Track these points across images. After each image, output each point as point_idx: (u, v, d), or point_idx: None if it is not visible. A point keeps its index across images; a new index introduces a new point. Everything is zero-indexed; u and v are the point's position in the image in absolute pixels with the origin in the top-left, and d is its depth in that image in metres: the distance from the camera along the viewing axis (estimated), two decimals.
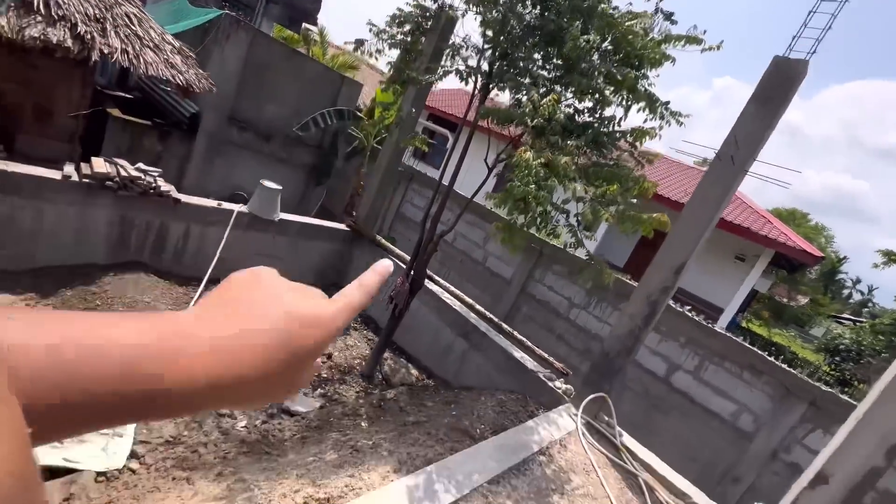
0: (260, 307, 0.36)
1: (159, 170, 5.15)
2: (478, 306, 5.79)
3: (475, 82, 3.97)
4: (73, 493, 2.61)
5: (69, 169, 4.53)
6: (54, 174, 4.38)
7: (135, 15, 5.34)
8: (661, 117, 3.62)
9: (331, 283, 7.25)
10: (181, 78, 5.61)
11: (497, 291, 7.27)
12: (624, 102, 3.64)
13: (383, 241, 6.90)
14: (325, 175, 9.47)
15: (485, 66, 4.06)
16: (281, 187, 6.12)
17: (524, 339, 5.36)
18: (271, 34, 9.87)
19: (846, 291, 32.09)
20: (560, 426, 4.03)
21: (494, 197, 2.75)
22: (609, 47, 3.65)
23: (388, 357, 5.74)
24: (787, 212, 33.17)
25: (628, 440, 4.19)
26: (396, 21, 4.59)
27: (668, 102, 3.65)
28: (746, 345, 5.22)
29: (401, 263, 6.46)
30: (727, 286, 13.22)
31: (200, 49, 6.78)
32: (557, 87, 3.74)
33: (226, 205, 5.73)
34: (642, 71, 3.37)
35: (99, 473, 2.81)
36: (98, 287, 4.60)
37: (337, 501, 2.42)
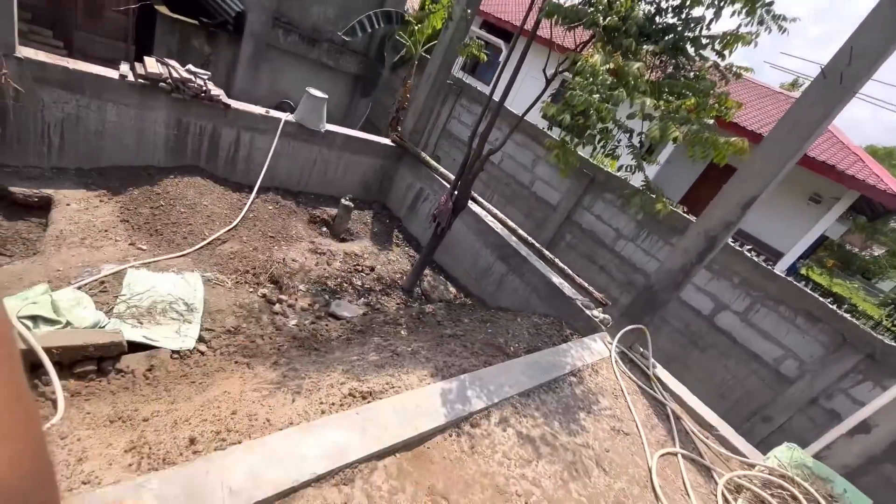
0: None
1: (208, 73, 5.11)
2: (520, 231, 5.69)
3: None
4: (153, 364, 3.00)
5: (125, 68, 4.57)
6: (112, 73, 4.44)
7: None
8: (761, 22, 3.05)
9: (374, 199, 7.32)
10: None
11: (542, 217, 7.08)
12: (717, 1, 3.07)
13: (428, 158, 6.73)
14: (371, 85, 9.11)
15: None
16: (327, 96, 5.96)
17: (564, 267, 5.29)
18: None
19: None
20: (594, 351, 4.08)
21: (552, 106, 2.49)
22: None
23: (428, 274, 5.90)
24: (885, 150, 29.05)
25: (661, 372, 4.21)
26: None
27: (772, 2, 3.04)
28: (808, 290, 4.89)
29: (445, 182, 6.34)
30: (794, 229, 12.17)
31: None
32: None
33: (273, 112, 5.70)
34: None
35: (174, 352, 3.19)
36: (160, 188, 4.87)
37: (378, 395, 2.63)
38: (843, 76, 3.06)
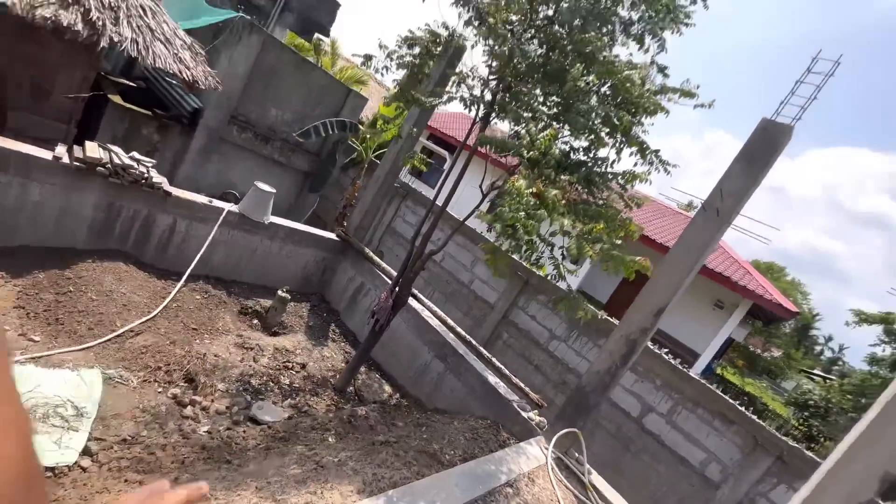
0: None
1: (153, 161, 5.11)
2: (459, 328, 5.78)
3: (477, 110, 4.08)
4: None
5: (61, 150, 4.47)
6: (44, 154, 4.31)
7: (150, 7, 5.39)
8: (651, 164, 3.75)
9: (313, 291, 7.18)
10: (188, 73, 5.64)
11: (480, 316, 7.27)
12: (618, 145, 3.78)
13: (371, 253, 6.89)
14: (320, 183, 9.48)
15: (488, 96, 4.19)
16: (275, 190, 6.11)
17: (502, 367, 5.35)
18: (283, 40, 10.02)
19: (818, 348, 32.74)
20: (530, 458, 3.99)
21: (486, 215, 2.80)
22: (608, 92, 3.81)
23: (364, 372, 5.66)
24: (765, 265, 34.06)
25: (596, 479, 4.16)
26: (407, 42, 4.72)
27: (658, 150, 3.78)
28: (719, 393, 5.28)
29: (387, 278, 6.44)
30: (705, 332, 13.42)
31: (211, 47, 6.84)
32: (556, 124, 3.87)
33: (216, 202, 5.69)
34: (637, 118, 3.51)
35: (48, 468, 2.68)
36: (72, 272, 4.49)
37: None
38: (719, 210, 3.76)
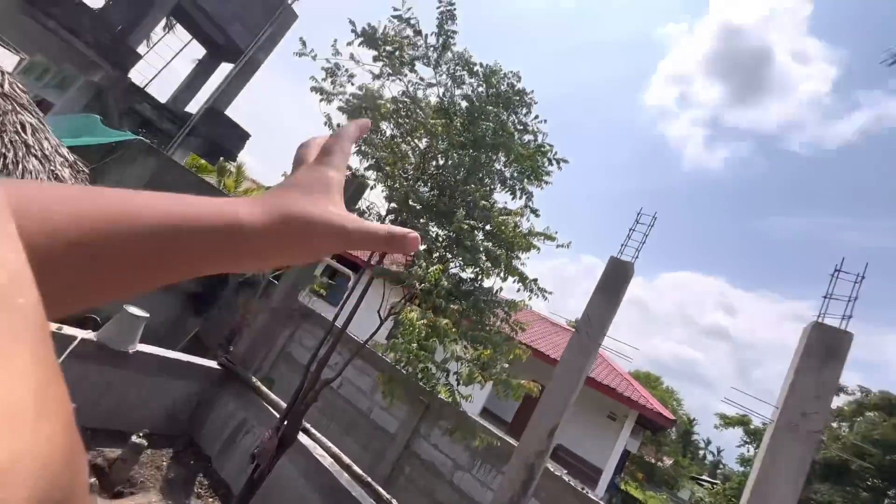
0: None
1: None
2: (355, 467, 5.21)
3: None
4: None
5: None
6: None
7: (30, 124, 5.14)
8: (531, 290, 4.27)
9: (179, 434, 6.07)
10: None
11: (380, 448, 6.70)
12: (501, 275, 4.28)
13: (259, 383, 6.22)
14: (207, 305, 8.74)
15: None
16: (148, 315, 5.47)
17: None
18: (184, 162, 10.01)
19: (701, 452, 35.31)
20: None
21: (381, 345, 2.84)
22: (490, 229, 4.43)
23: None
24: (643, 375, 37.70)
25: None
26: None
27: (536, 279, 4.36)
28: None
29: (275, 412, 5.76)
30: (603, 445, 13.83)
31: (98, 165, 6.55)
32: (449, 255, 4.31)
33: (68, 329, 4.87)
34: (515, 253, 4.08)
35: None
36: None
37: None
38: (588, 334, 4.29)
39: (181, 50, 14.17)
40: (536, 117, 4.46)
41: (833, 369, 3.37)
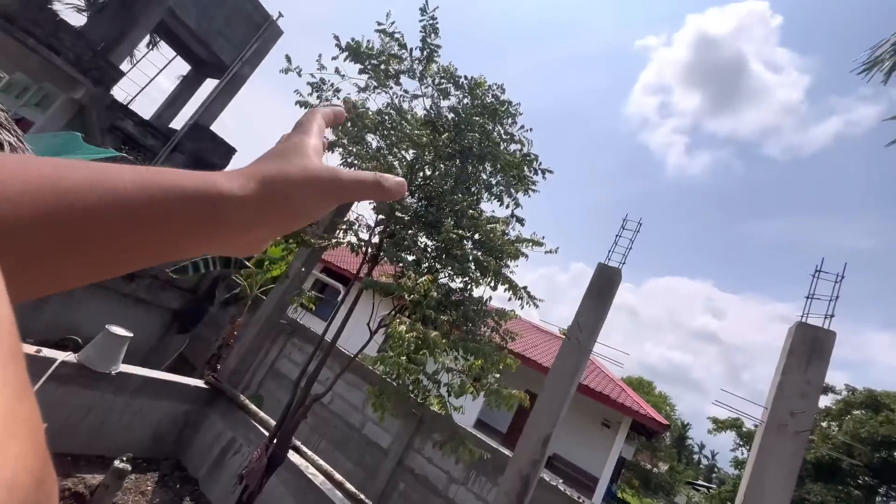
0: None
1: None
2: (347, 484, 5.10)
3: (365, 254, 4.36)
4: None
5: None
6: None
7: (8, 143, 5.03)
8: (521, 298, 4.28)
9: (166, 456, 5.89)
10: None
11: (373, 464, 6.58)
12: (491, 284, 4.28)
13: (246, 401, 6.09)
14: (192, 322, 8.57)
15: (375, 240, 4.55)
16: (131, 334, 5.34)
17: None
18: None
19: (696, 456, 35.36)
20: None
21: (369, 358, 2.81)
22: (478, 238, 4.45)
23: None
24: (636, 380, 37.83)
25: None
26: None
27: (525, 287, 4.37)
28: None
29: (264, 430, 5.63)
30: (598, 453, 13.78)
31: None
32: (438, 265, 4.30)
33: (47, 351, 4.72)
34: (503, 262, 4.10)
35: None
36: None
37: None
38: (579, 340, 4.30)
39: (165, 67, 14.11)
40: (522, 127, 4.52)
41: (818, 368, 3.42)
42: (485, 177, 4.76)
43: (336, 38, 4.10)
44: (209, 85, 13.58)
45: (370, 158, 4.15)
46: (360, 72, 4.28)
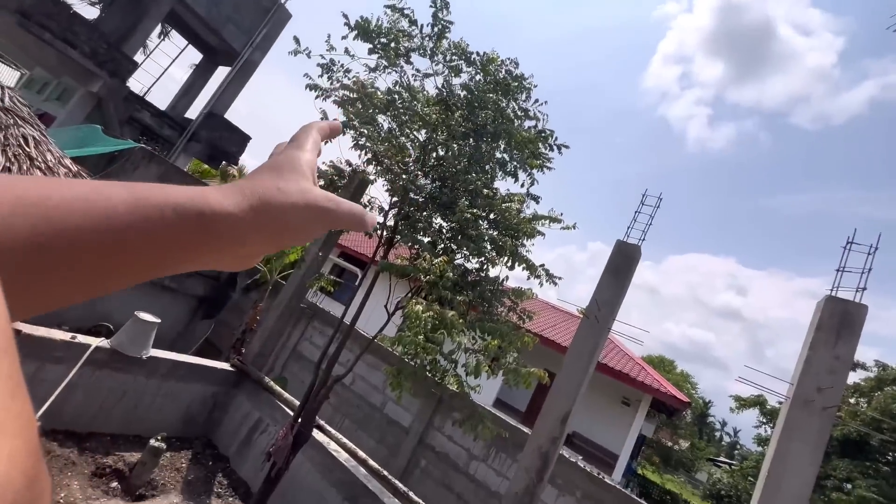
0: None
1: None
2: (371, 461, 5.25)
3: (381, 236, 4.37)
4: None
5: None
6: None
7: (32, 137, 5.17)
8: (539, 277, 4.24)
9: (197, 435, 6.15)
10: None
11: (395, 443, 6.74)
12: (507, 263, 4.25)
13: (272, 383, 6.28)
14: (216, 308, 8.81)
15: (390, 223, 4.55)
16: (159, 320, 5.53)
17: (420, 502, 4.85)
18: (187, 167, 10.05)
19: (717, 434, 35.18)
20: None
21: (387, 339, 2.84)
22: (493, 217, 4.40)
23: None
24: (657, 359, 37.54)
25: None
26: None
27: (543, 265, 4.32)
28: (636, 499, 5.31)
29: (289, 410, 5.81)
30: (618, 431, 13.82)
31: (102, 174, 6.60)
32: (453, 246, 4.28)
33: (82, 338, 4.94)
34: (520, 240, 4.05)
35: None
36: None
37: None
38: (598, 318, 4.25)
39: (178, 56, 14.19)
40: (536, 101, 4.40)
41: (848, 342, 3.32)
42: (499, 154, 4.67)
43: (345, 16, 4.03)
44: (221, 73, 13.63)
45: (382, 140, 4.11)
46: (370, 51, 4.21)
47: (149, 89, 13.49)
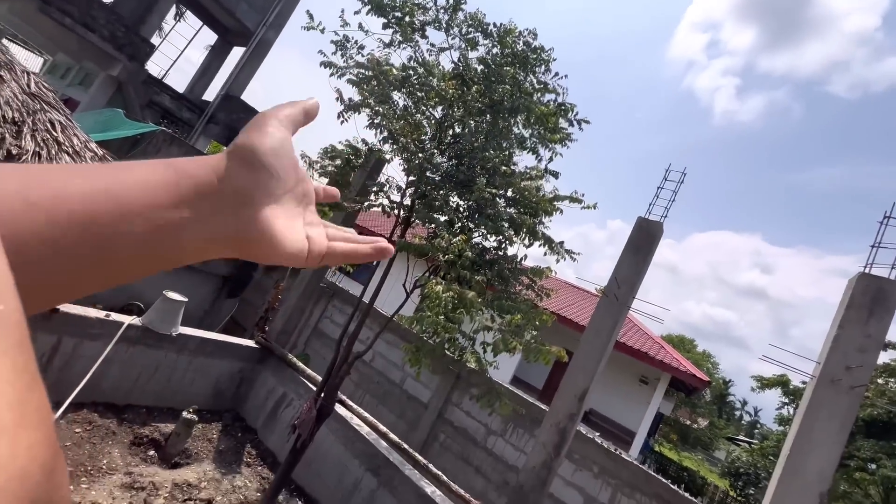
0: None
1: None
2: (392, 434, 5.41)
3: (398, 216, 4.37)
4: None
5: None
6: None
7: (59, 122, 5.30)
8: (558, 253, 4.20)
9: (226, 409, 6.43)
10: None
11: (414, 417, 6.92)
12: (526, 241, 4.21)
13: (295, 359, 6.47)
14: (240, 287, 9.06)
15: (407, 202, 4.54)
16: (186, 299, 5.72)
17: (440, 474, 5.00)
18: (206, 150, 10.19)
19: (737, 413, 34.90)
20: None
21: (405, 318, 2.89)
22: (512, 195, 4.34)
23: (283, 500, 4.95)
24: (676, 338, 37.11)
25: None
26: (329, 154, 5.08)
27: (562, 242, 4.27)
28: (654, 474, 5.35)
29: (312, 385, 6.01)
30: (636, 409, 13.84)
31: (125, 157, 6.75)
32: (471, 225, 4.26)
33: (115, 316, 5.16)
34: (538, 219, 4.00)
35: None
36: None
37: None
38: (617, 296, 4.21)
39: (193, 37, 14.21)
40: (556, 74, 4.26)
41: (881, 320, 3.20)
42: (517, 130, 4.57)
43: None
44: (236, 55, 13.61)
45: (398, 118, 4.07)
46: (384, 26, 4.12)
47: (166, 72, 13.60)
